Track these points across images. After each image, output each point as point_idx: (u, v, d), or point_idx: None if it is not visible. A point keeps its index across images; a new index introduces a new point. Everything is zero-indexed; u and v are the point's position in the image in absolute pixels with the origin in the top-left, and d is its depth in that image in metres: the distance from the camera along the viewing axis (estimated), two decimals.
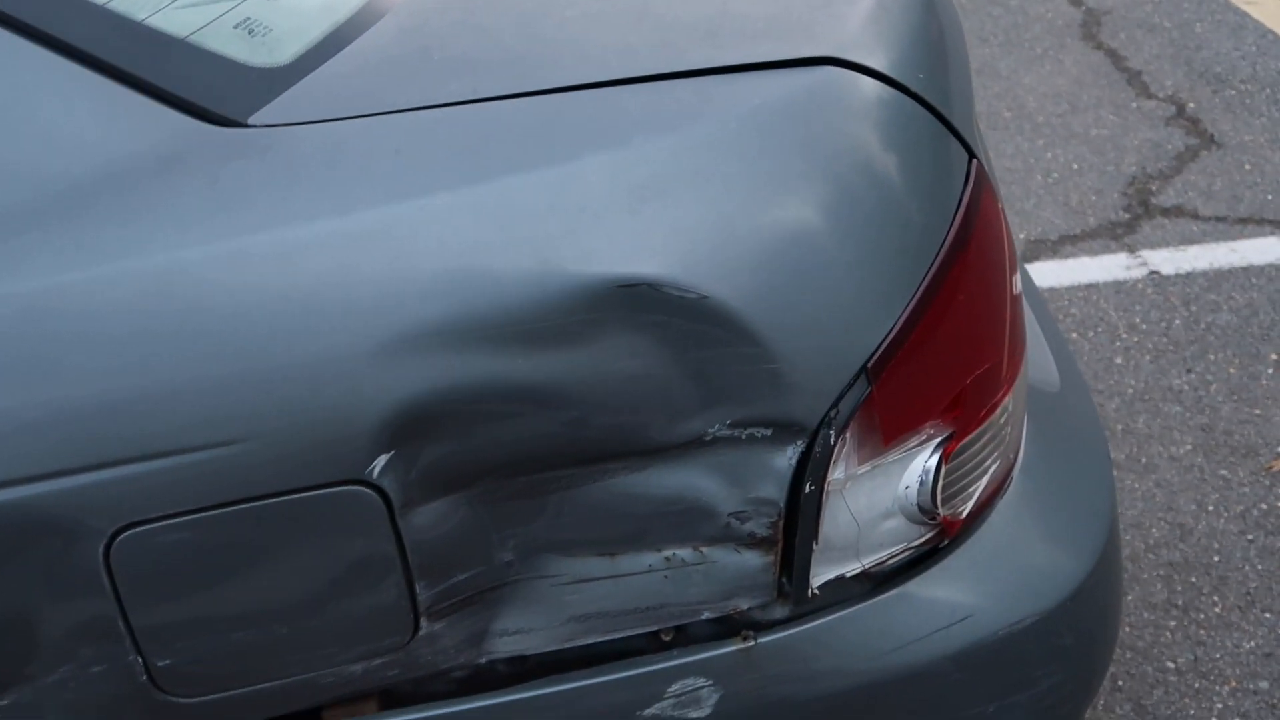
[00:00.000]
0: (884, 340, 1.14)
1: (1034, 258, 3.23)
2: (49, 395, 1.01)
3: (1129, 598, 2.26)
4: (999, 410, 1.26)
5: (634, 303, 1.06)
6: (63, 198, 1.04)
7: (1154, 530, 2.41)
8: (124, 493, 1.03)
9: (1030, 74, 4.16)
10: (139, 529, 1.04)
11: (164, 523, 1.04)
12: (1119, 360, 2.87)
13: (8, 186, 1.04)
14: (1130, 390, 2.78)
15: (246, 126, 1.09)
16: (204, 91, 1.09)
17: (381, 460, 1.06)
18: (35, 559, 1.04)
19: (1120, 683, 2.12)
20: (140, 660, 1.10)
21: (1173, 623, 2.23)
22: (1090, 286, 3.13)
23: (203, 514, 1.05)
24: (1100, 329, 2.98)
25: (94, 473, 1.03)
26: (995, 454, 1.28)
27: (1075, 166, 3.64)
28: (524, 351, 1.06)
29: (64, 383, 1.01)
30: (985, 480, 1.28)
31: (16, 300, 1.02)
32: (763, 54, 1.16)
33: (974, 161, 1.26)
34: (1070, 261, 3.24)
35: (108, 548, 1.05)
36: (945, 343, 1.19)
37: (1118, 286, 3.12)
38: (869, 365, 1.13)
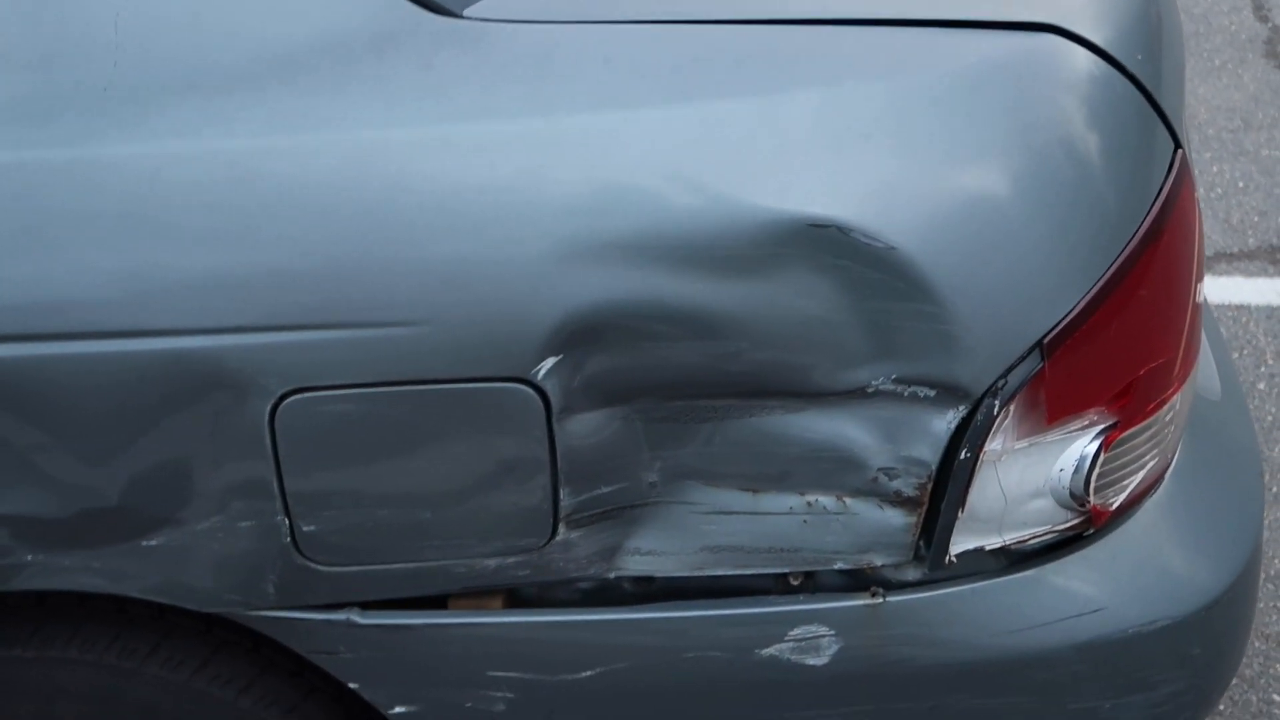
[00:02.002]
0: (1063, 319, 1.11)
1: None
2: (242, 253, 1.04)
3: None
4: (1166, 407, 1.23)
5: (821, 244, 1.05)
6: (279, 62, 1.06)
7: (1277, 560, 2.35)
8: (298, 358, 1.06)
9: (1206, 85, 4.03)
10: (307, 394, 1.07)
11: (332, 392, 1.07)
12: (1261, 386, 2.79)
13: (227, 46, 1.07)
14: (1270, 418, 2.70)
15: (461, 18, 1.10)
16: None
17: (549, 362, 1.07)
18: (207, 409, 1.07)
19: (1223, 708, 2.08)
20: (287, 522, 1.13)
21: None
22: (1241, 308, 3.04)
23: (370, 389, 1.07)
24: (1247, 351, 2.90)
25: (273, 334, 1.05)
26: (1154, 451, 1.25)
27: (1241, 184, 3.53)
28: (703, 277, 1.06)
29: (257, 244, 1.04)
30: (1140, 475, 1.25)
31: (224, 157, 1.04)
32: (985, 13, 1.14)
33: (1179, 152, 1.22)
34: (1223, 280, 3.15)
35: (274, 408, 1.07)
36: (1124, 330, 1.16)
37: (1270, 311, 3.03)
38: (1044, 341, 1.11)
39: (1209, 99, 3.96)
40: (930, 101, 1.09)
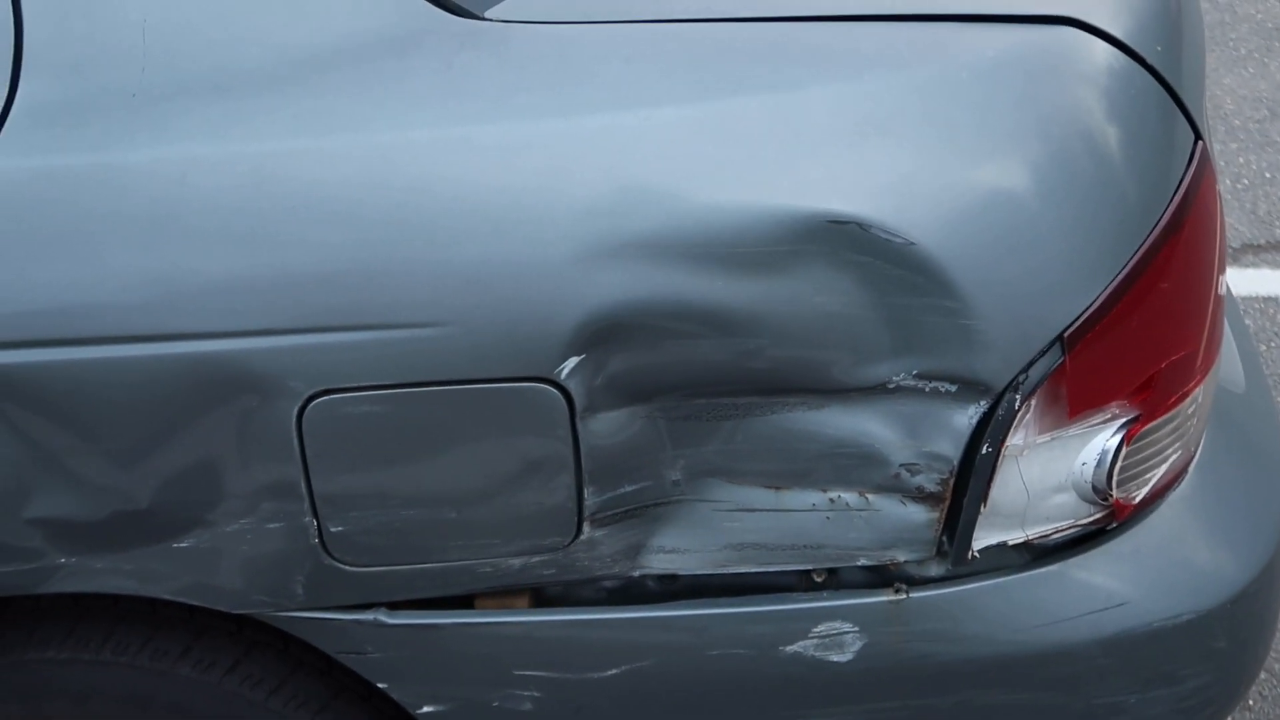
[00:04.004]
0: (1084, 312, 1.11)
1: None
2: (268, 256, 1.05)
3: None
4: (1189, 400, 1.23)
5: (841, 240, 1.06)
6: (303, 65, 1.07)
7: None
8: (324, 360, 1.07)
9: (1231, 75, 4.00)
10: (334, 396, 1.08)
11: (358, 393, 1.08)
12: None
13: (252, 50, 1.08)
14: None
15: (482, 19, 1.11)
16: None
17: (571, 362, 1.07)
18: (234, 412, 1.09)
19: (1251, 703, 2.07)
20: (315, 523, 1.14)
21: None
22: (1269, 299, 3.02)
23: (396, 390, 1.08)
24: (1275, 344, 2.88)
25: (299, 336, 1.06)
26: (1177, 444, 1.25)
27: (1268, 175, 3.51)
28: (724, 274, 1.06)
29: (283, 246, 1.05)
30: (1163, 469, 1.25)
31: (249, 161, 1.05)
32: (1002, 6, 1.14)
33: (1199, 144, 1.22)
34: (1250, 271, 3.13)
35: (302, 410, 1.08)
36: (1145, 323, 1.16)
37: None
38: (1065, 335, 1.11)
39: (1235, 89, 3.93)
40: (949, 96, 1.09)
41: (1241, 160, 3.58)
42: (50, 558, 1.16)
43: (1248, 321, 2.94)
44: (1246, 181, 3.49)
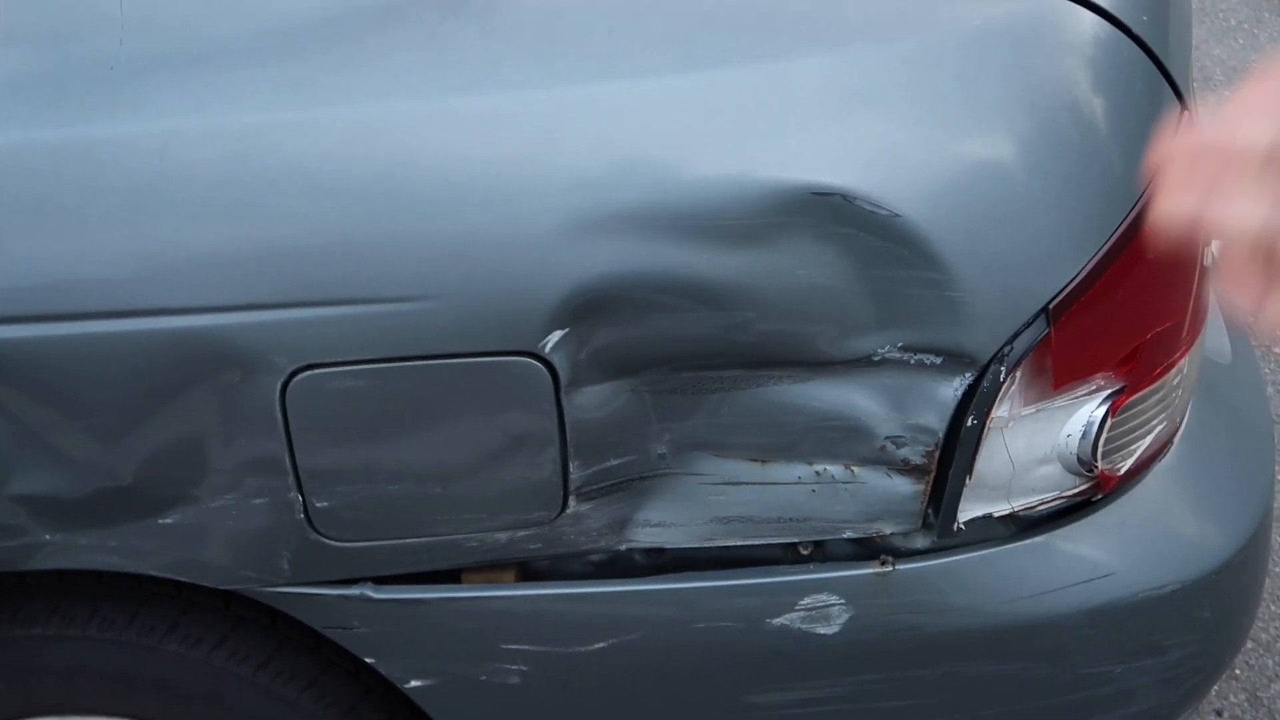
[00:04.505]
0: (1069, 283, 1.11)
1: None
2: (249, 230, 1.04)
3: None
4: (1174, 370, 1.23)
5: (825, 212, 1.05)
6: (284, 36, 1.06)
7: None
8: (307, 334, 1.06)
9: (1221, 46, 3.99)
10: (317, 371, 1.07)
11: (341, 368, 1.07)
12: (1279, 350, 2.78)
13: (232, 20, 1.07)
14: None
15: None
16: None
17: (555, 336, 1.07)
18: (217, 388, 1.08)
19: (1238, 672, 2.08)
20: (300, 499, 1.14)
21: None
22: None
23: (379, 364, 1.07)
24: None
25: (282, 310, 1.06)
26: (1162, 415, 1.25)
27: None
28: (708, 247, 1.06)
29: (265, 220, 1.04)
30: (1148, 440, 1.25)
31: (229, 134, 1.05)
32: None
33: (1186, 114, 1.22)
34: None
35: (285, 385, 1.08)
36: (1131, 294, 1.16)
37: None
38: (1050, 306, 1.11)
39: (1224, 60, 3.92)
40: (934, 66, 1.09)
41: None
42: (34, 534, 1.16)
43: None
44: None
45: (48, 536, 1.16)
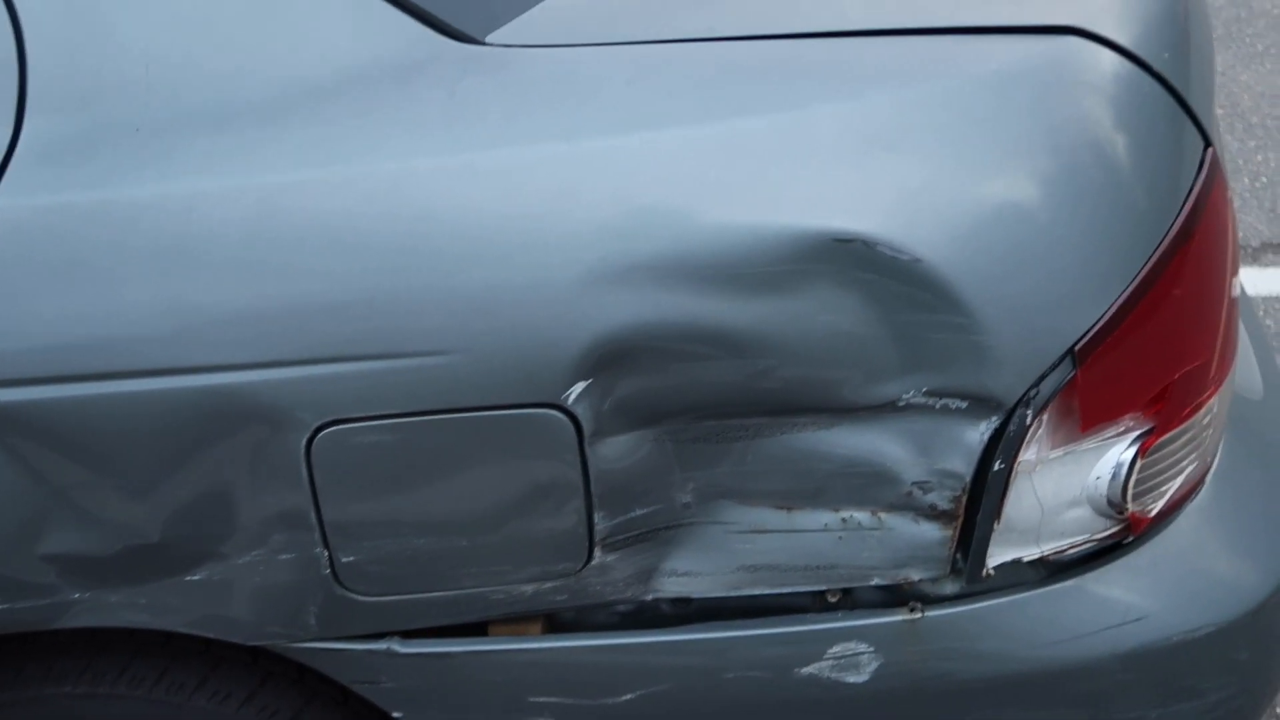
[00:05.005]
0: (1095, 325, 1.10)
1: None
2: (274, 288, 1.05)
3: None
4: (1203, 410, 1.22)
5: (847, 258, 1.05)
6: (305, 95, 1.07)
7: None
8: (332, 390, 1.07)
9: (1248, 71, 3.98)
10: (342, 426, 1.08)
11: (366, 423, 1.08)
12: None
13: (255, 82, 1.08)
14: None
15: (483, 44, 1.10)
16: (446, 6, 1.10)
17: (579, 387, 1.07)
18: (243, 444, 1.09)
19: (1279, 711, 2.05)
20: (326, 554, 1.14)
21: None
22: None
23: (404, 419, 1.08)
24: None
25: (307, 367, 1.06)
26: (1193, 455, 1.24)
27: None
28: (729, 296, 1.06)
29: (289, 278, 1.05)
30: (1179, 481, 1.24)
31: (254, 193, 1.05)
32: (1006, 17, 1.13)
33: (1209, 150, 1.21)
34: (1271, 270, 3.10)
35: (310, 441, 1.08)
36: (1157, 334, 1.15)
37: None
38: (1076, 348, 1.10)
39: (1252, 85, 3.90)
40: (953, 109, 1.09)
41: (1260, 158, 3.55)
42: (65, 593, 1.17)
43: (1269, 322, 2.92)
44: (1265, 179, 3.46)
45: (77, 595, 1.17)
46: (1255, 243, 3.22)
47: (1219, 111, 3.75)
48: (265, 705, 1.28)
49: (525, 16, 1.13)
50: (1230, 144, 3.61)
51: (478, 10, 1.12)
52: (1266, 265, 3.13)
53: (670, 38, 1.11)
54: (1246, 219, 3.30)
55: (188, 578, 1.16)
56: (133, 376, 1.07)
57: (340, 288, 1.05)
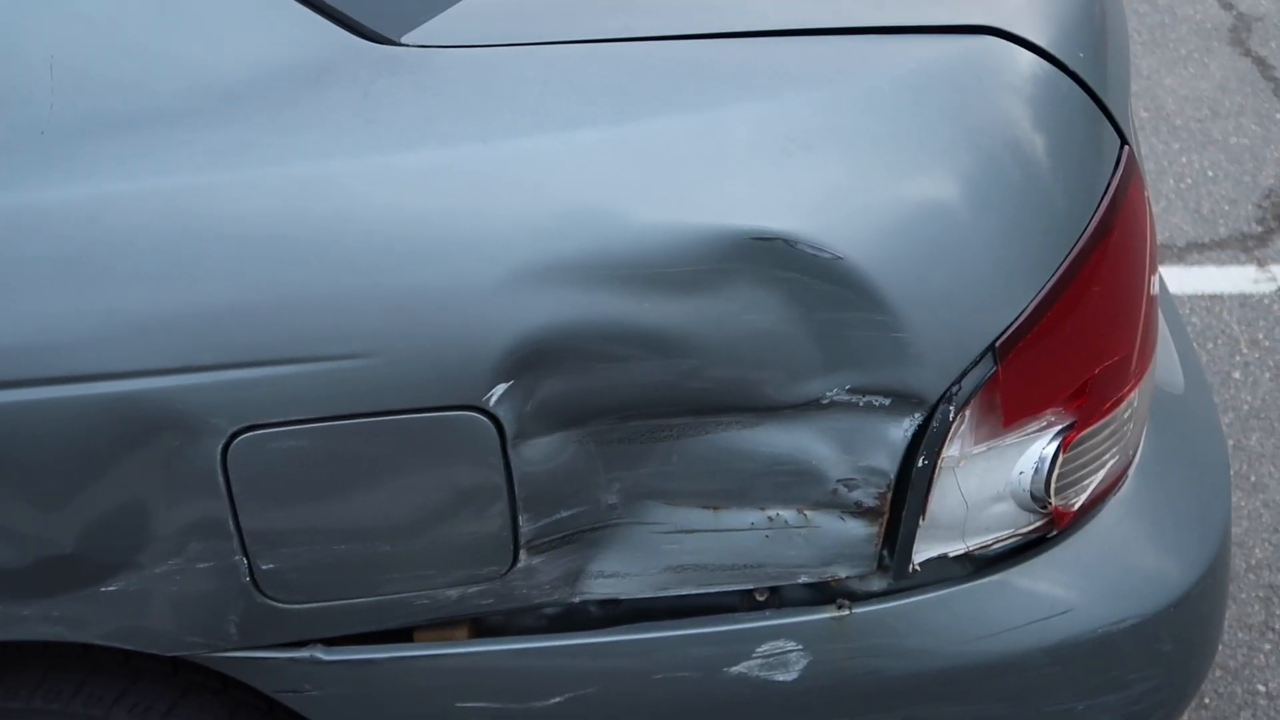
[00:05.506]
0: (1015, 321, 1.11)
1: (1159, 263, 3.15)
2: (185, 293, 1.03)
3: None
4: (1124, 404, 1.23)
5: (767, 257, 1.05)
6: (216, 97, 1.05)
7: (1257, 550, 2.35)
8: (247, 395, 1.05)
9: (1172, 76, 4.04)
10: (258, 432, 1.06)
11: (283, 428, 1.06)
12: (1237, 375, 2.79)
13: (163, 83, 1.06)
14: (1246, 406, 2.70)
15: (399, 45, 1.09)
16: (360, 7, 1.09)
17: (500, 389, 1.06)
18: (157, 452, 1.07)
19: (1207, 700, 2.07)
20: (245, 561, 1.12)
21: (1268, 646, 2.17)
22: (1214, 297, 3.04)
23: (321, 424, 1.06)
24: (1220, 341, 2.90)
25: (220, 372, 1.04)
26: (1114, 449, 1.25)
27: (1210, 174, 3.54)
28: (651, 295, 1.05)
29: (201, 282, 1.03)
30: (1101, 475, 1.25)
31: (163, 196, 1.03)
32: (923, 17, 1.14)
33: (1125, 148, 1.22)
34: (1195, 270, 3.15)
35: (226, 447, 1.06)
36: (1077, 330, 1.16)
37: (1243, 300, 3.03)
38: (997, 344, 1.11)
39: (1176, 89, 3.97)
40: (871, 109, 1.09)
41: (1184, 160, 3.61)
42: None
43: (1194, 320, 2.96)
44: (1190, 180, 3.52)
45: None
46: (1181, 243, 3.27)
47: (1144, 115, 3.81)
48: (187, 717, 1.26)
49: (441, 17, 1.12)
50: (1155, 146, 3.66)
51: (392, 11, 1.11)
52: (1191, 264, 3.17)
53: (587, 38, 1.11)
54: (1172, 219, 3.35)
55: (103, 589, 1.13)
56: (41, 384, 1.05)
57: (253, 291, 1.03)
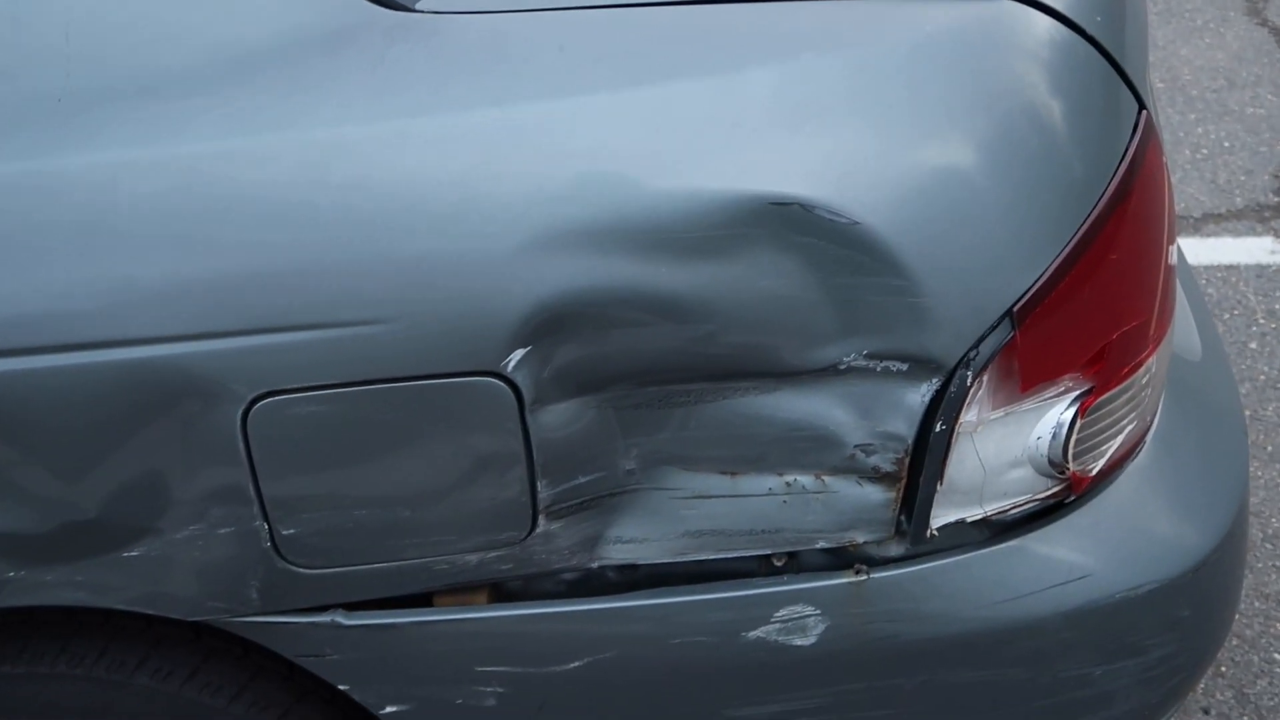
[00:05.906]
0: (1033, 286, 1.11)
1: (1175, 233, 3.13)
2: (203, 259, 1.04)
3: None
4: (1142, 370, 1.23)
5: (784, 222, 1.05)
6: (232, 64, 1.05)
7: (1274, 520, 2.35)
8: (267, 361, 1.05)
9: (1188, 46, 4.01)
10: (278, 398, 1.06)
11: (302, 394, 1.06)
12: (1254, 345, 2.79)
13: (180, 49, 1.06)
14: (1263, 377, 2.69)
15: (414, 11, 1.09)
16: None
17: (518, 354, 1.06)
18: (177, 418, 1.07)
19: (1224, 669, 2.08)
20: (266, 527, 1.13)
21: None
22: (1230, 268, 3.03)
23: (340, 389, 1.07)
24: (1237, 312, 2.89)
25: (240, 338, 1.05)
26: (1132, 414, 1.25)
27: (1226, 144, 3.52)
28: (668, 261, 1.05)
29: (219, 248, 1.04)
30: (1119, 440, 1.25)
31: (179, 163, 1.04)
32: None
33: (1143, 113, 1.22)
34: (1212, 240, 3.14)
35: (246, 413, 1.07)
36: (1095, 295, 1.16)
37: (1259, 270, 3.02)
38: (1014, 309, 1.11)
39: (1191, 59, 3.94)
40: (888, 73, 1.09)
41: (1200, 130, 3.59)
42: None
43: (1210, 291, 2.95)
44: (1206, 151, 3.50)
45: (12, 574, 1.15)
46: (1197, 213, 3.25)
47: (1160, 85, 3.78)
48: (209, 682, 1.27)
49: None
50: (1172, 117, 3.64)
51: None
52: (1208, 235, 3.16)
53: (602, 3, 1.10)
54: (1188, 190, 3.34)
55: (125, 554, 1.14)
56: (62, 351, 1.05)
57: (271, 258, 1.03)
